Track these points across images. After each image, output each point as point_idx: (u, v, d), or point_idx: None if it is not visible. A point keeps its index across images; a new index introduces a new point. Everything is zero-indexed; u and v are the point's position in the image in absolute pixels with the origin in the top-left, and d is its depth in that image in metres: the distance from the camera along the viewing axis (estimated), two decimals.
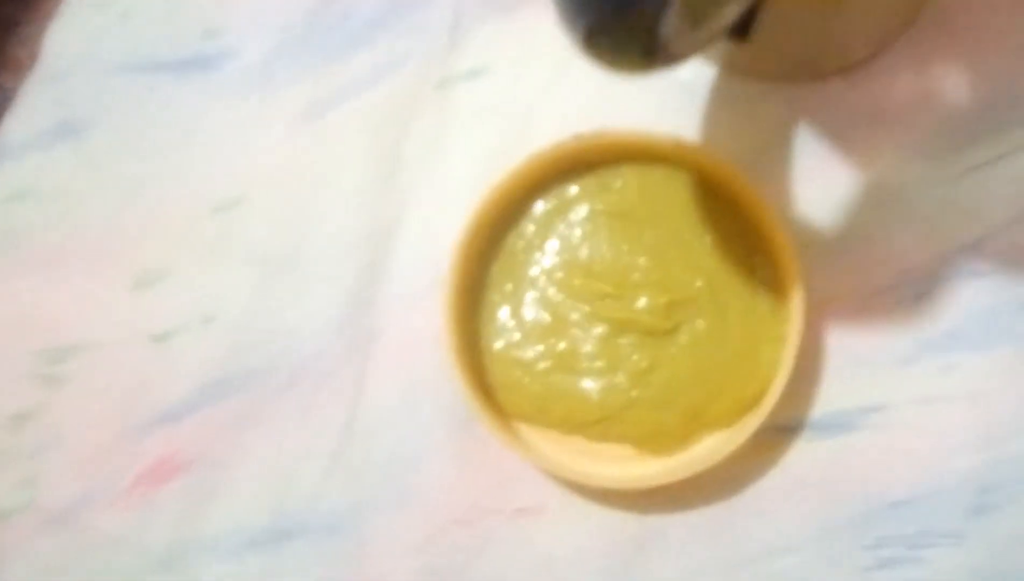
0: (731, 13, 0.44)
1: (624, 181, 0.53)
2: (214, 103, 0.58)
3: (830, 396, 0.52)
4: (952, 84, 0.53)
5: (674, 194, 0.53)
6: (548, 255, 0.53)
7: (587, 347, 0.52)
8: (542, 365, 0.52)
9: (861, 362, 0.52)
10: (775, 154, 0.53)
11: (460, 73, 0.57)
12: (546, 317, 0.52)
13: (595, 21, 0.39)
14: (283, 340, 0.55)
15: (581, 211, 0.53)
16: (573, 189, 0.53)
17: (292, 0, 0.58)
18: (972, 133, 0.52)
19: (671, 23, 0.39)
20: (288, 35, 0.58)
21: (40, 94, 0.59)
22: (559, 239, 0.53)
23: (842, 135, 0.53)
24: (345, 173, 0.56)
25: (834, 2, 0.48)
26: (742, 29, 0.47)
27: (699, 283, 0.52)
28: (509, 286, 0.53)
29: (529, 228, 0.53)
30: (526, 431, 0.52)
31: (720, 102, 0.54)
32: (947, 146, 0.52)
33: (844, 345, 0.52)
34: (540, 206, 0.53)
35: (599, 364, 0.52)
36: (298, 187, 0.56)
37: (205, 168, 0.57)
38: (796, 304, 0.49)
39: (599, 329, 0.52)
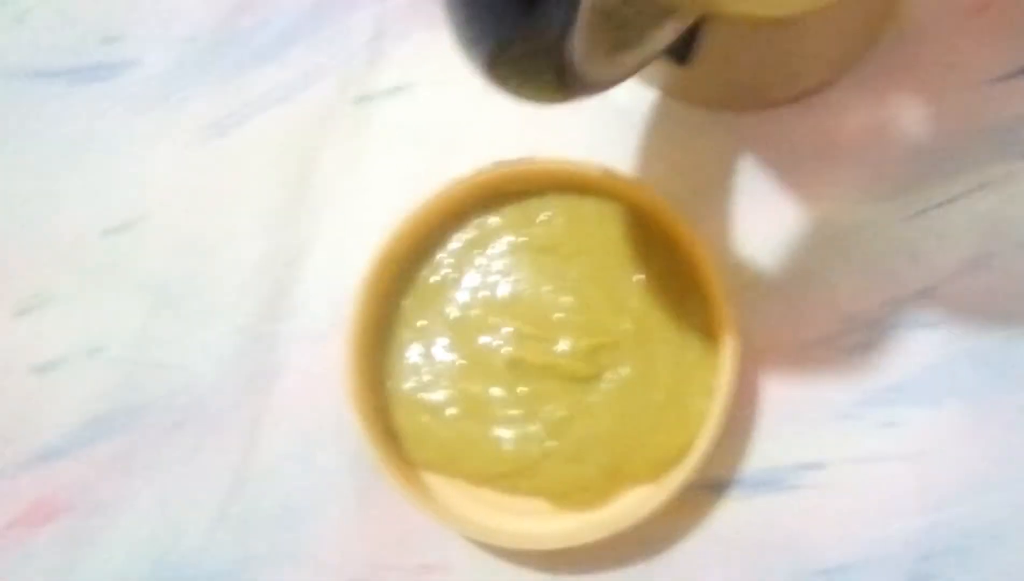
0: (657, 39, 0.42)
1: (550, 213, 0.51)
2: (110, 115, 0.55)
3: (762, 452, 0.49)
4: (909, 118, 0.51)
5: (603, 229, 0.50)
6: (464, 291, 0.50)
7: (502, 392, 0.49)
8: (452, 410, 0.49)
9: (797, 416, 0.49)
10: (715, 188, 0.51)
11: (378, 91, 0.54)
12: (459, 358, 0.50)
13: (495, 45, 0.36)
14: (174, 376, 0.52)
15: (502, 244, 0.51)
16: (494, 220, 0.51)
17: (200, 8, 0.55)
18: (928, 171, 0.50)
19: (582, 47, 0.36)
20: (194, 45, 0.55)
21: None
22: (477, 274, 0.51)
23: (788, 169, 0.51)
24: (248, 197, 0.54)
25: (783, 26, 0.46)
26: (682, 52, 0.45)
27: (626, 326, 0.49)
28: (420, 323, 0.50)
29: (445, 261, 0.51)
30: (433, 482, 0.49)
31: (658, 130, 0.52)
32: (900, 185, 0.50)
33: (780, 397, 0.50)
34: (458, 238, 0.51)
35: (514, 411, 0.49)
36: (196, 210, 0.54)
37: (97, 186, 0.55)
38: (729, 352, 0.47)
39: (516, 373, 0.49)
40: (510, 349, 0.49)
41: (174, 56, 0.55)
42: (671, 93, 0.52)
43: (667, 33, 0.42)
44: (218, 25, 0.55)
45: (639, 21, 0.41)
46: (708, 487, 0.49)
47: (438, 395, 0.49)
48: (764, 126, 0.51)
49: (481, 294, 0.50)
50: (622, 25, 0.40)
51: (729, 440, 0.48)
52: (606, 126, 0.52)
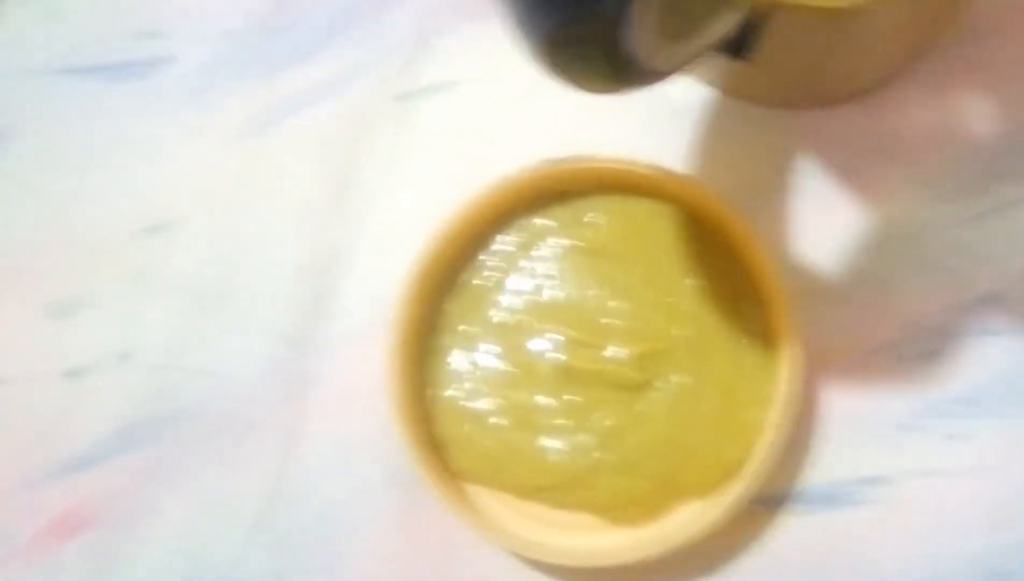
0: (714, 28, 0.41)
1: (599, 214, 0.50)
2: (146, 113, 0.55)
3: (822, 465, 0.48)
4: (973, 116, 0.50)
5: (655, 230, 0.49)
6: (509, 294, 0.49)
7: (549, 401, 0.48)
8: (497, 420, 0.48)
9: (858, 427, 0.48)
10: (772, 188, 0.50)
11: (421, 88, 0.53)
12: (504, 365, 0.48)
13: (551, 30, 0.35)
14: (209, 382, 0.52)
15: (549, 246, 0.49)
16: (541, 221, 0.50)
17: (237, 2, 0.55)
18: (993, 172, 0.49)
19: (639, 33, 0.34)
20: (231, 40, 0.55)
21: None
22: (523, 277, 0.49)
23: (848, 170, 0.50)
24: (287, 197, 0.53)
25: (846, 19, 0.44)
26: (740, 47, 0.44)
27: (679, 332, 0.48)
28: (464, 328, 0.49)
29: (490, 263, 0.50)
30: (477, 494, 0.48)
31: (713, 128, 0.51)
32: (964, 186, 0.49)
33: (840, 407, 0.48)
34: (503, 239, 0.50)
35: (562, 421, 0.48)
36: (234, 211, 0.53)
37: (132, 186, 0.54)
38: (788, 359, 0.46)
39: (563, 381, 0.48)
40: (557, 356, 0.48)
41: (210, 52, 0.55)
42: (727, 90, 0.51)
43: (725, 22, 0.41)
44: (256, 20, 0.55)
45: (697, 7, 0.39)
46: (765, 502, 0.48)
47: (482, 403, 0.48)
48: (823, 124, 0.50)
49: (527, 298, 0.49)
50: (679, 11, 0.38)
51: (787, 453, 0.47)
52: (658, 124, 0.51)
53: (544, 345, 0.48)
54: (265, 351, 0.51)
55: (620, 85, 0.37)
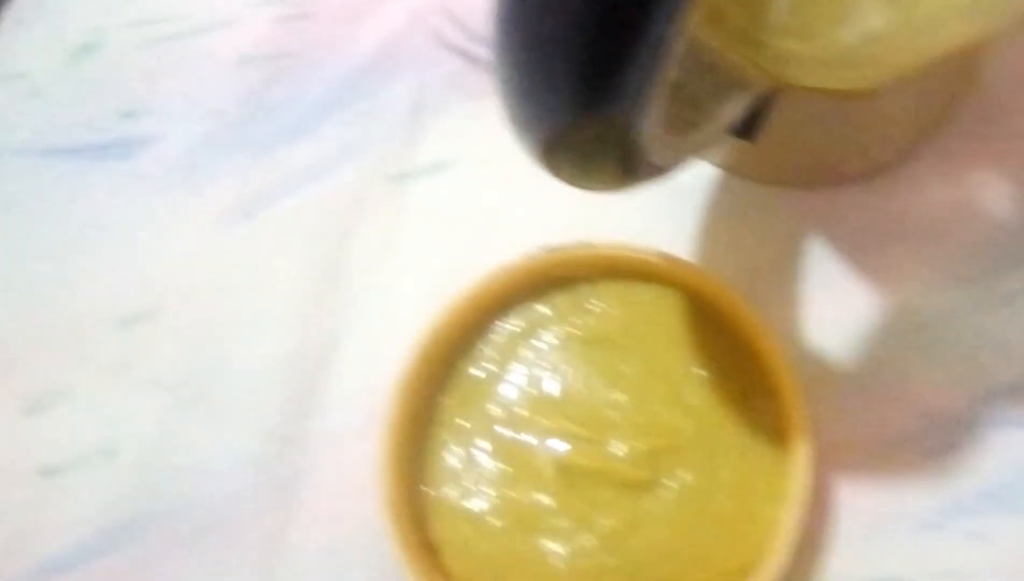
0: (723, 114, 0.40)
1: (603, 302, 0.48)
2: (128, 196, 0.54)
3: (837, 566, 0.46)
4: (990, 196, 0.50)
5: (661, 319, 0.48)
6: (510, 387, 0.47)
7: (551, 501, 0.46)
8: (496, 521, 0.46)
9: (875, 526, 0.46)
10: (782, 273, 0.49)
11: (417, 168, 0.53)
12: (503, 463, 0.47)
13: (554, 131, 0.33)
14: (193, 481, 0.50)
15: (551, 336, 0.48)
16: (543, 309, 0.48)
17: (227, 80, 0.54)
18: (1012, 254, 0.48)
19: (652, 128, 0.33)
20: (219, 119, 0.54)
21: None
22: (523, 368, 0.48)
23: (861, 251, 0.49)
24: (276, 285, 0.52)
25: (857, 98, 0.44)
26: (748, 128, 0.43)
27: (686, 427, 0.46)
28: (461, 422, 0.47)
29: (489, 354, 0.48)
30: None
31: (720, 209, 0.51)
32: (983, 269, 0.48)
33: (855, 504, 0.46)
34: (503, 328, 0.48)
35: (564, 522, 0.46)
36: (220, 300, 0.52)
37: (113, 273, 0.53)
38: (801, 456, 0.44)
39: (566, 480, 0.46)
40: (559, 452, 0.46)
41: (198, 131, 0.54)
42: (734, 170, 0.51)
43: (735, 108, 0.41)
44: (246, 98, 0.54)
45: (707, 95, 0.39)
46: None
47: (480, 503, 0.46)
48: (834, 204, 0.50)
49: (527, 390, 0.47)
50: (689, 101, 0.38)
51: (800, 553, 0.45)
52: (664, 205, 0.50)
53: (546, 441, 0.47)
54: (251, 448, 0.50)
55: (627, 185, 0.36)
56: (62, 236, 0.53)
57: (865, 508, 0.46)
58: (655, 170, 0.36)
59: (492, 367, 0.48)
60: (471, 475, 0.47)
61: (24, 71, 0.56)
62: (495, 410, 0.47)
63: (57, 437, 0.51)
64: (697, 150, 0.40)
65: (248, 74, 0.54)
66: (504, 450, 0.47)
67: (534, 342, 0.48)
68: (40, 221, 0.54)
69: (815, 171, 0.50)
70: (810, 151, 0.49)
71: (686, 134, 0.38)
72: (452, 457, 0.47)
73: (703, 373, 0.46)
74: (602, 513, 0.45)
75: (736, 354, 0.46)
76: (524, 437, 0.47)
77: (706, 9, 0.35)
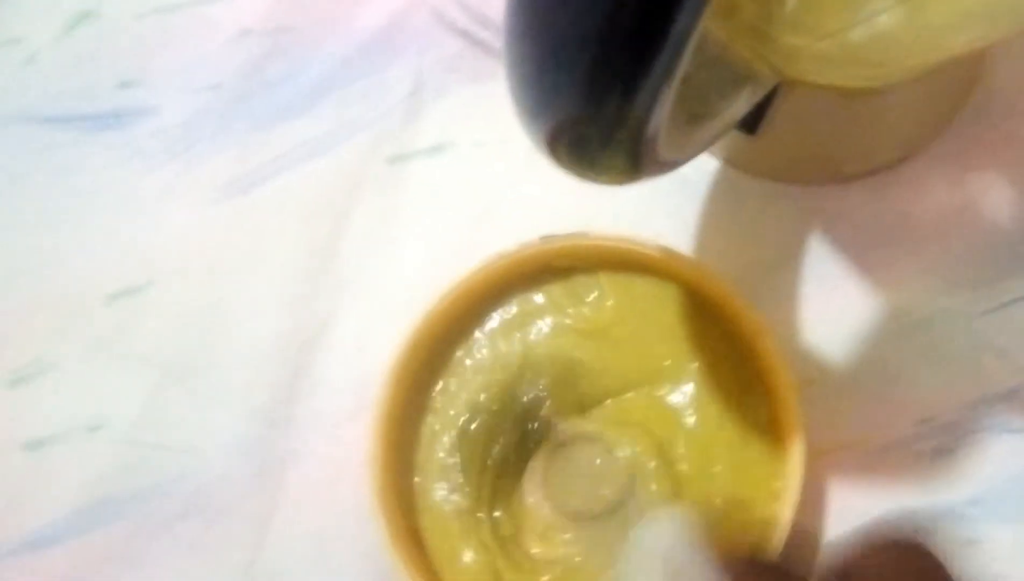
0: (730, 110, 0.40)
1: (599, 293, 0.48)
2: (121, 168, 0.53)
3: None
4: (992, 198, 0.49)
5: (657, 313, 0.47)
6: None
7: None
8: (484, 512, 0.46)
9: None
10: (780, 269, 0.49)
11: (415, 150, 0.52)
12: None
13: (564, 122, 0.33)
14: (179, 460, 0.49)
15: (545, 326, 0.48)
16: (538, 299, 0.48)
17: (226, 53, 0.54)
18: (1014, 258, 0.48)
19: (662, 121, 0.32)
20: (217, 93, 0.54)
21: None
22: (518, 357, 0.47)
23: (860, 251, 0.49)
24: (269, 263, 0.51)
25: (863, 96, 0.45)
26: (751, 122, 0.44)
27: (679, 421, 0.46)
28: (454, 412, 0.47)
29: (483, 343, 0.47)
30: None
31: (721, 203, 0.50)
32: (983, 273, 0.48)
33: (848, 507, 0.46)
34: (497, 317, 0.48)
35: None
36: (211, 277, 0.52)
37: (103, 246, 0.52)
38: (794, 455, 0.44)
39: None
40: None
41: (195, 104, 0.54)
42: (736, 164, 0.50)
43: (742, 103, 0.40)
44: (244, 73, 0.54)
45: (713, 88, 0.39)
46: None
47: (468, 492, 0.46)
48: (835, 202, 0.50)
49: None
50: (695, 94, 0.37)
51: (793, 552, 0.44)
52: (664, 197, 0.50)
53: (537, 430, 0.46)
54: (240, 428, 0.49)
55: (633, 178, 0.35)
56: (52, 206, 0.53)
57: (857, 511, 0.46)
58: (661, 165, 0.36)
59: (486, 356, 0.47)
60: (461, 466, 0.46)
61: (19, 36, 0.55)
62: (489, 399, 0.47)
63: (42, 411, 0.50)
64: (703, 146, 0.40)
65: (247, 48, 0.54)
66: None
67: (528, 332, 0.47)
68: (30, 190, 0.53)
69: (817, 168, 0.50)
70: (813, 148, 0.49)
71: (691, 128, 0.38)
72: (441, 445, 0.46)
73: (698, 368, 0.46)
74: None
75: (732, 351, 0.46)
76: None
77: (720, 1, 0.35)
